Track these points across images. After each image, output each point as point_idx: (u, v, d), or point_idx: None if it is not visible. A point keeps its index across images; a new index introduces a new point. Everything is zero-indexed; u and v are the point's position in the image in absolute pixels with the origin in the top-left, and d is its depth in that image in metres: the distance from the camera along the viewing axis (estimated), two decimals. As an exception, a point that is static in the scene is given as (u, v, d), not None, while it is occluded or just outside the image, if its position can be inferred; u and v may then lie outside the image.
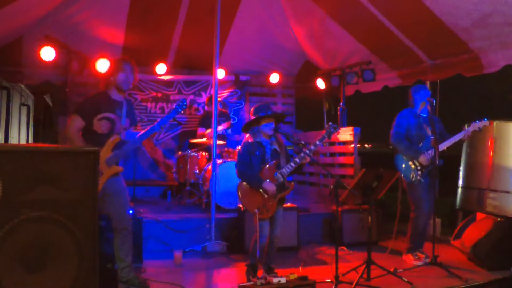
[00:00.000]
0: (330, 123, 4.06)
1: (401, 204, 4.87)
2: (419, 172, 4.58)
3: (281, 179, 3.95)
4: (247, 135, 4.13)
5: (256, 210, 3.86)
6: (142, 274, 4.13)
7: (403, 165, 4.67)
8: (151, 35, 6.87)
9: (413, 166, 4.61)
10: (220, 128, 6.85)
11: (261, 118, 4.00)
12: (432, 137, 4.57)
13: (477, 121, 4.53)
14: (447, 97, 5.75)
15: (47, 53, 6.03)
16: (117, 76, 3.68)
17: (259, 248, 3.91)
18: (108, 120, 3.62)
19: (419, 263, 4.51)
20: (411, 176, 4.59)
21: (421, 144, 4.65)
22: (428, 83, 6.16)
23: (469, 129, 4.53)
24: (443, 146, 4.59)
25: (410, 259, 4.63)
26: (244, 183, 3.99)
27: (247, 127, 4.10)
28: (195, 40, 6.97)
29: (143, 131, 3.79)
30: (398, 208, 4.81)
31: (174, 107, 3.86)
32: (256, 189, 3.92)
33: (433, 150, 4.50)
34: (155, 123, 3.78)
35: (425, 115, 4.76)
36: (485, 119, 4.52)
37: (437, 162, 4.40)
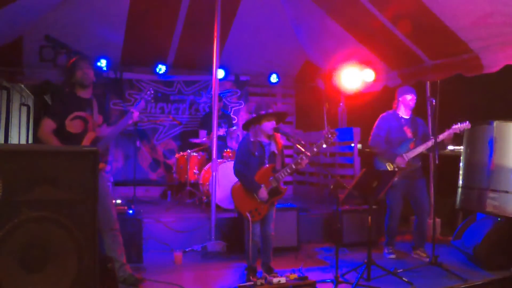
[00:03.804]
0: (328, 128, 4.05)
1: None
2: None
3: (275, 183, 3.96)
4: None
5: (247, 214, 3.89)
6: (142, 274, 4.12)
7: (382, 167, 4.77)
8: (151, 35, 6.86)
9: (389, 169, 4.66)
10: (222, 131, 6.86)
11: (262, 117, 3.99)
12: (412, 140, 4.65)
13: (458, 123, 4.56)
14: (447, 97, 5.74)
15: (48, 53, 6.02)
16: (76, 75, 3.72)
17: (254, 249, 3.93)
18: (80, 119, 3.67)
19: (392, 255, 4.77)
20: None
21: (400, 146, 4.70)
22: (428, 83, 6.16)
23: (449, 131, 4.56)
24: (421, 149, 4.64)
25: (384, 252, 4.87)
26: (238, 185, 4.00)
27: (248, 125, 4.09)
28: (195, 40, 6.96)
29: (116, 124, 3.87)
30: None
31: (142, 96, 4.00)
32: (250, 192, 3.94)
33: (411, 152, 4.59)
34: (126, 115, 3.87)
35: (407, 117, 4.80)
36: (466, 122, 4.56)
37: (437, 160, 4.42)
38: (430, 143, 4.60)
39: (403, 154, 4.66)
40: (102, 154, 3.72)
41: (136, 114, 3.85)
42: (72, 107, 3.68)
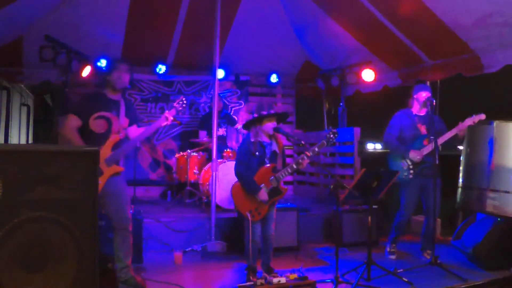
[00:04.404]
0: (330, 127, 4.04)
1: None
2: (411, 171, 4.60)
3: (276, 183, 3.96)
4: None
5: (248, 213, 3.89)
6: (142, 274, 4.12)
7: (395, 165, 4.73)
8: (151, 35, 6.86)
9: (404, 166, 4.65)
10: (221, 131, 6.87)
11: (263, 117, 3.99)
12: (425, 136, 4.62)
13: (473, 115, 4.52)
14: (447, 97, 5.74)
15: (48, 53, 6.02)
16: (112, 75, 3.70)
17: (254, 249, 3.93)
18: (104, 119, 3.64)
19: (392, 256, 4.76)
20: (403, 175, 4.63)
21: (414, 143, 4.69)
22: (428, 83, 6.16)
23: (463, 123, 4.52)
24: (438, 143, 4.59)
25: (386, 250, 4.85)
26: (238, 184, 4.00)
27: (249, 125, 4.10)
28: (195, 40, 6.97)
29: (141, 131, 3.81)
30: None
31: (172, 105, 3.92)
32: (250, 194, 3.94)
33: (425, 148, 4.55)
34: (154, 123, 3.80)
35: (421, 115, 4.79)
36: (481, 113, 4.50)
37: (437, 160, 4.38)
38: (444, 138, 4.54)
39: (418, 150, 4.62)
40: (118, 157, 3.68)
41: (170, 120, 3.78)
42: (98, 105, 3.65)
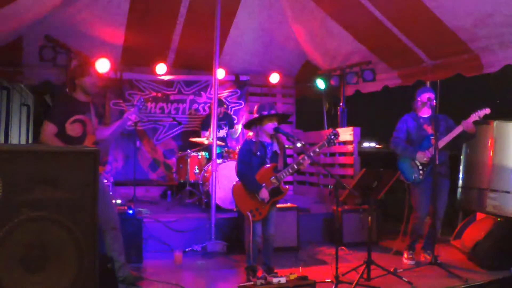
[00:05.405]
0: (331, 129, 4.03)
1: (403, 205, 4.87)
2: (421, 172, 4.59)
3: (277, 183, 3.96)
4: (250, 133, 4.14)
5: (248, 213, 3.89)
6: (142, 274, 4.12)
7: (405, 167, 4.70)
8: (151, 35, 6.87)
9: (414, 167, 4.63)
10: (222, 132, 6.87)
11: (264, 117, 4.00)
12: (432, 135, 4.58)
13: (478, 111, 4.47)
14: (447, 97, 5.74)
15: (48, 53, 6.03)
16: (84, 80, 3.71)
17: (254, 249, 3.93)
18: (80, 122, 3.67)
19: (411, 262, 4.60)
20: (413, 176, 4.61)
21: (422, 143, 4.67)
22: (428, 83, 6.17)
23: (468, 119, 4.48)
24: (444, 141, 4.57)
25: (404, 257, 4.72)
26: (239, 184, 4.00)
27: (250, 124, 4.11)
28: (195, 40, 6.97)
29: (111, 128, 3.94)
30: (406, 209, 4.80)
31: (135, 103, 4.11)
32: (252, 193, 3.94)
33: (433, 148, 4.52)
34: (120, 124, 3.95)
35: (427, 116, 4.78)
36: (486, 108, 4.42)
37: (437, 160, 4.37)
38: (451, 135, 4.50)
39: (426, 150, 4.60)
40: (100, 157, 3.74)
41: (133, 117, 3.94)
42: (72, 110, 3.67)
